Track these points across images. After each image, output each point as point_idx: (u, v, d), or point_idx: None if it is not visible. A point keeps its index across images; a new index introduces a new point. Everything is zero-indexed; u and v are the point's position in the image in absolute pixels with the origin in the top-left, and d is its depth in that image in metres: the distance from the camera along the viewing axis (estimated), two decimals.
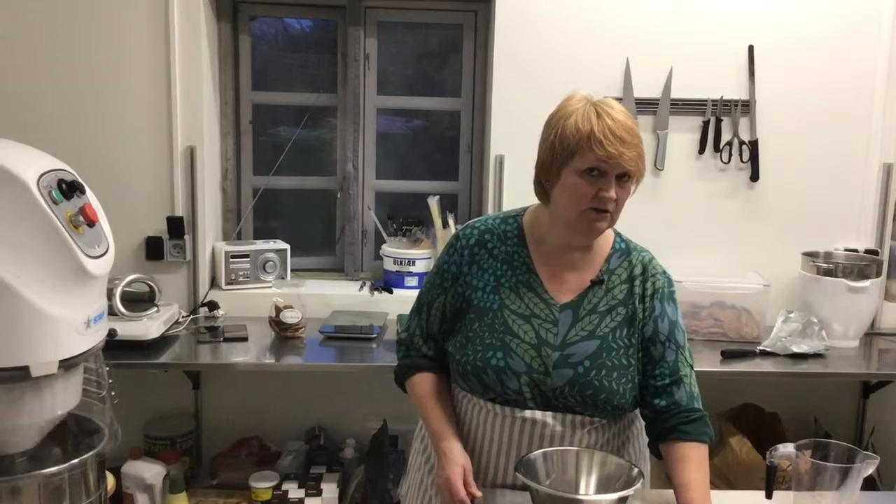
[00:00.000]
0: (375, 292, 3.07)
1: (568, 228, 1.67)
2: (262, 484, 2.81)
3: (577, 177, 1.60)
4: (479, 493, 1.58)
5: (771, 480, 1.71)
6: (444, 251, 1.81)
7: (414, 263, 3.09)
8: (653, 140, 2.97)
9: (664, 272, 1.75)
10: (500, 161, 2.98)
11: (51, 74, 2.82)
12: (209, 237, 3.06)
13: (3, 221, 1.32)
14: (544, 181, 1.68)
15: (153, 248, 2.93)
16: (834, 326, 2.83)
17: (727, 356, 2.69)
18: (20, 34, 2.80)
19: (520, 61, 2.93)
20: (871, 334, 3.02)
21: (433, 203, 3.09)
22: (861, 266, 2.86)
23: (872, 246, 3.05)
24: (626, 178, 1.61)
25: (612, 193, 1.59)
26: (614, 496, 1.49)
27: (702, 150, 3.00)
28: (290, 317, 2.72)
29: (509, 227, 1.77)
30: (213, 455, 3.06)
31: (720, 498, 1.66)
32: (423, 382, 1.78)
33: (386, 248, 3.15)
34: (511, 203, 2.91)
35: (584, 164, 1.59)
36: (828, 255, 2.99)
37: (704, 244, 3.03)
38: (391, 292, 3.07)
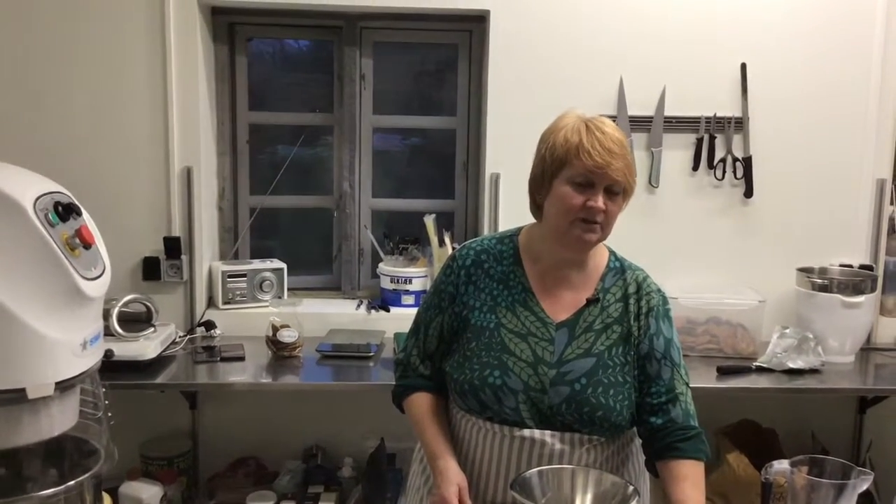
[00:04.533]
0: (372, 311, 3.07)
1: (559, 241, 1.69)
2: None
3: (566, 186, 1.64)
4: None
5: (767, 497, 1.72)
6: (441, 272, 1.82)
7: (410, 282, 3.09)
8: (647, 157, 2.99)
9: (659, 290, 1.77)
10: (496, 179, 2.99)
11: (47, 96, 2.84)
12: (206, 257, 3.06)
13: None
14: (536, 195, 1.73)
15: (150, 269, 2.93)
16: (829, 342, 2.83)
17: (723, 372, 2.69)
18: (15, 54, 2.81)
19: (514, 80, 2.95)
20: (867, 349, 3.02)
21: (429, 221, 3.10)
22: (856, 281, 2.86)
23: (867, 261, 3.06)
24: (615, 192, 1.64)
25: (601, 203, 1.62)
26: None
27: (696, 168, 3.01)
28: (286, 336, 2.72)
29: (505, 247, 1.79)
30: (211, 475, 3.05)
31: None
32: (421, 402, 1.79)
33: (382, 267, 3.16)
34: (507, 221, 2.94)
35: (572, 174, 1.63)
36: (823, 271, 3.00)
37: (699, 261, 3.04)
38: (388, 311, 3.08)
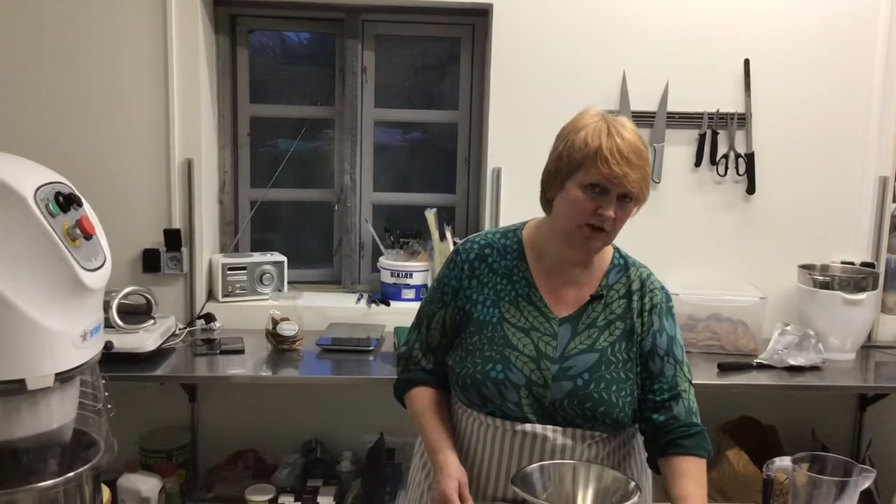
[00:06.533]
0: (372, 305, 3.07)
1: (564, 241, 1.68)
2: (259, 497, 2.80)
3: (579, 190, 1.62)
4: None
5: (768, 494, 1.71)
6: (445, 265, 1.82)
7: (411, 276, 3.09)
8: (649, 153, 2.97)
9: (662, 288, 1.76)
10: (498, 174, 2.99)
11: (48, 87, 2.83)
12: (206, 249, 3.06)
13: None
14: (548, 189, 1.71)
15: (150, 261, 2.93)
16: (830, 339, 2.83)
17: (724, 369, 2.69)
18: (17, 46, 2.81)
19: (517, 74, 2.95)
20: (868, 347, 3.02)
21: (430, 215, 3.09)
22: (857, 279, 2.86)
23: (869, 258, 3.05)
24: (627, 199, 1.63)
25: (611, 213, 1.60)
26: None
27: (698, 163, 3.01)
28: (286, 329, 2.72)
29: (509, 241, 1.78)
30: (210, 468, 3.05)
31: None
32: (422, 396, 1.79)
33: (383, 261, 3.15)
34: (508, 215, 2.93)
35: (587, 178, 1.61)
36: (824, 268, 2.99)
37: (701, 257, 3.03)
38: (388, 305, 3.07)
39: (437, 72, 3.34)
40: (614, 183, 1.59)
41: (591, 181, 1.60)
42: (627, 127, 1.63)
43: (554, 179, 1.67)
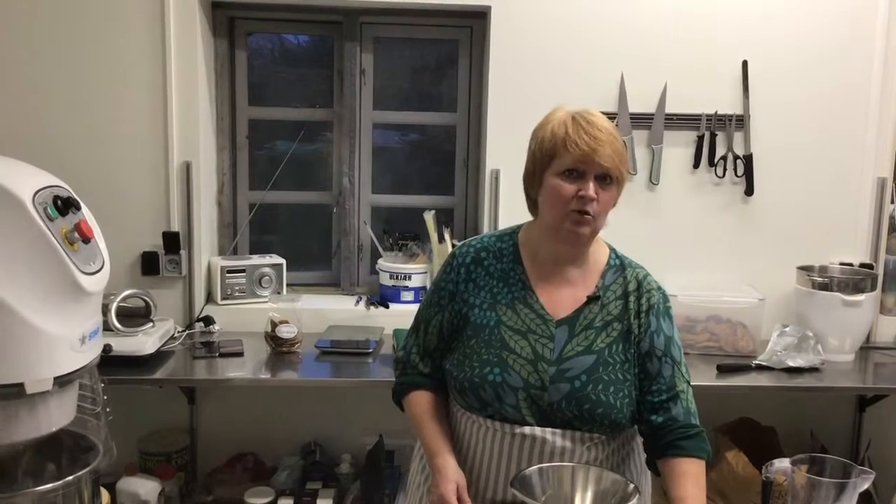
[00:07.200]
0: (371, 307, 3.06)
1: (553, 235, 1.69)
2: (258, 500, 2.80)
3: (556, 179, 1.65)
4: None
5: (767, 495, 1.71)
6: (441, 270, 1.82)
7: (410, 278, 3.09)
8: (647, 154, 2.98)
9: (659, 288, 1.77)
10: (496, 175, 2.99)
11: (46, 90, 2.83)
12: (205, 252, 3.06)
13: None
14: (530, 190, 1.75)
15: (149, 264, 2.92)
16: (829, 340, 2.83)
17: (723, 370, 2.69)
18: (15, 49, 2.80)
19: (515, 76, 2.95)
20: (867, 348, 3.02)
21: (429, 218, 3.09)
22: (856, 280, 2.86)
23: (867, 260, 3.05)
24: (607, 181, 1.65)
25: (591, 192, 1.62)
26: None
27: (696, 165, 3.01)
28: (285, 332, 2.72)
29: (505, 244, 1.79)
30: (209, 471, 3.05)
31: None
32: (420, 400, 1.79)
33: (382, 263, 3.15)
34: (507, 217, 2.93)
35: (562, 165, 1.64)
36: (823, 269, 2.99)
37: (700, 258, 3.03)
38: (387, 307, 3.07)
39: (436, 74, 3.35)
40: (587, 162, 1.62)
41: (566, 167, 1.64)
42: (594, 113, 1.68)
43: (533, 178, 1.72)
